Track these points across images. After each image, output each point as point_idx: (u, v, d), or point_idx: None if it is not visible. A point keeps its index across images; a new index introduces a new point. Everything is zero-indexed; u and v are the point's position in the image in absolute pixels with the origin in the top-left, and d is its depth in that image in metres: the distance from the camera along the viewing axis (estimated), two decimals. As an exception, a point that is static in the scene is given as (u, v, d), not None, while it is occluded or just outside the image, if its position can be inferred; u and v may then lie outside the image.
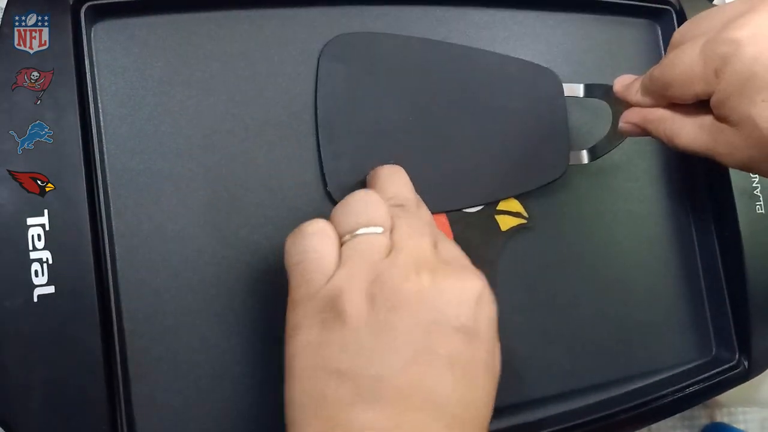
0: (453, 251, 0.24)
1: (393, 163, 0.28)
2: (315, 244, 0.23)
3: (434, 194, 0.29)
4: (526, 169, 0.32)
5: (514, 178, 0.31)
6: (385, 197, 0.25)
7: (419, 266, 0.22)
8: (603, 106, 0.31)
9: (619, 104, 0.30)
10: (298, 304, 0.22)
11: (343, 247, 0.23)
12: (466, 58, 0.31)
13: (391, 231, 0.23)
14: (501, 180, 0.31)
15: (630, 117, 0.29)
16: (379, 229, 0.23)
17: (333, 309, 0.22)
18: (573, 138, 0.33)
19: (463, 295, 0.22)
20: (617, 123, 0.30)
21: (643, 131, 0.29)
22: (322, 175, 0.29)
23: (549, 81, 0.32)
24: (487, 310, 0.23)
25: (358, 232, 0.23)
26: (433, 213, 0.27)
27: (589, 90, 0.32)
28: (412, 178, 0.27)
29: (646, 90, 0.28)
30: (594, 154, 0.32)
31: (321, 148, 0.29)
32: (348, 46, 0.29)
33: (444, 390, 0.21)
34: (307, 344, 0.22)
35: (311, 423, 0.21)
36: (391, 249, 0.23)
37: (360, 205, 0.24)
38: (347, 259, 0.22)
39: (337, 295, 0.22)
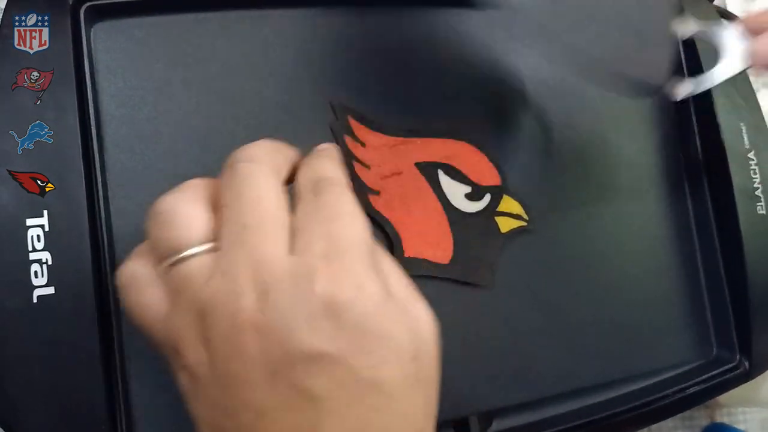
0: (312, 232, 0.18)
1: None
2: (133, 297, 0.19)
3: None
4: None
5: None
6: (202, 191, 0.20)
7: (243, 284, 0.17)
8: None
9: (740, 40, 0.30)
10: (160, 351, 0.20)
11: (164, 279, 0.19)
12: None
13: (217, 238, 0.19)
14: None
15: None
16: (194, 249, 0.18)
17: (179, 361, 0.18)
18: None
19: (301, 310, 0.17)
20: (735, 58, 0.30)
21: None
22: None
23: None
24: (348, 317, 0.17)
25: (171, 260, 0.18)
26: None
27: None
28: None
29: None
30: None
31: None
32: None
33: None
34: (184, 389, 0.19)
35: None
36: (213, 268, 0.18)
37: (157, 224, 0.19)
38: (171, 298, 0.19)
39: (175, 346, 0.18)
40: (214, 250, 0.18)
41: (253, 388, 0.17)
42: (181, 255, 0.18)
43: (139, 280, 0.19)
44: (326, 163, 0.21)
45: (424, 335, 0.19)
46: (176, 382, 0.19)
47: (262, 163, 0.20)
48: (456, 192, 0.31)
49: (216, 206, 0.19)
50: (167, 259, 0.18)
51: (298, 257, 0.18)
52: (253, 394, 0.17)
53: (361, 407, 0.17)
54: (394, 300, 0.18)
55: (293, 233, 0.19)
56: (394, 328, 0.18)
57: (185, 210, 0.19)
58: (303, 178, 0.20)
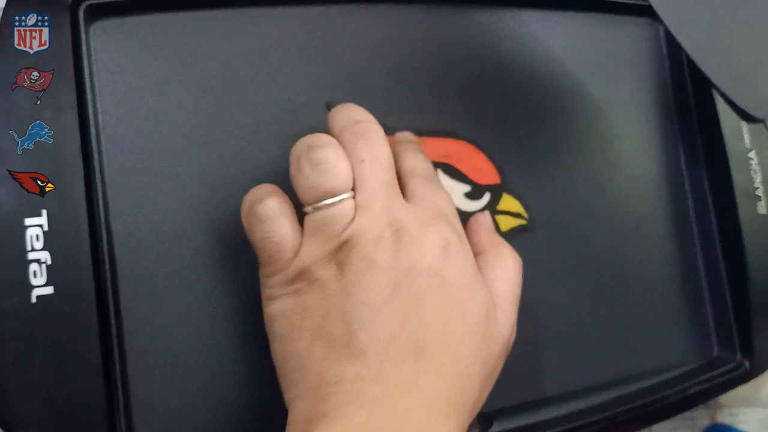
0: (427, 198, 0.25)
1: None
2: (271, 229, 0.23)
3: None
4: None
5: None
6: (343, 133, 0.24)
7: (384, 225, 0.23)
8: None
9: None
10: (269, 278, 0.23)
11: (306, 218, 0.23)
12: None
13: (356, 188, 0.23)
14: None
15: None
16: (342, 196, 0.23)
17: (304, 279, 0.23)
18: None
19: (425, 244, 0.23)
20: None
21: None
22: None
23: None
24: (456, 257, 0.23)
25: (319, 204, 0.23)
26: None
27: None
28: None
29: None
30: None
31: None
32: None
33: (419, 336, 0.22)
34: (284, 309, 0.23)
35: (302, 379, 0.22)
36: (356, 209, 0.23)
37: (318, 173, 0.23)
38: (312, 231, 0.23)
39: (306, 267, 0.23)
40: (353, 196, 0.23)
41: (377, 294, 0.22)
42: (334, 200, 0.23)
43: (283, 215, 0.23)
44: (428, 160, 0.27)
45: (501, 314, 0.25)
46: (275, 305, 0.23)
47: (379, 126, 0.25)
48: (455, 191, 0.31)
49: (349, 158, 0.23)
50: (319, 202, 0.23)
51: (422, 210, 0.24)
52: (376, 298, 0.22)
53: (448, 324, 0.22)
54: (478, 271, 0.25)
55: (409, 196, 0.25)
56: (478, 285, 0.24)
57: (340, 163, 0.23)
58: (415, 165, 0.26)
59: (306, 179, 0.23)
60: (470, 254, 0.24)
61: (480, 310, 0.23)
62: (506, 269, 0.26)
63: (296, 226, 0.23)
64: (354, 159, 0.24)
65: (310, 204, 0.23)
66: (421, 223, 0.23)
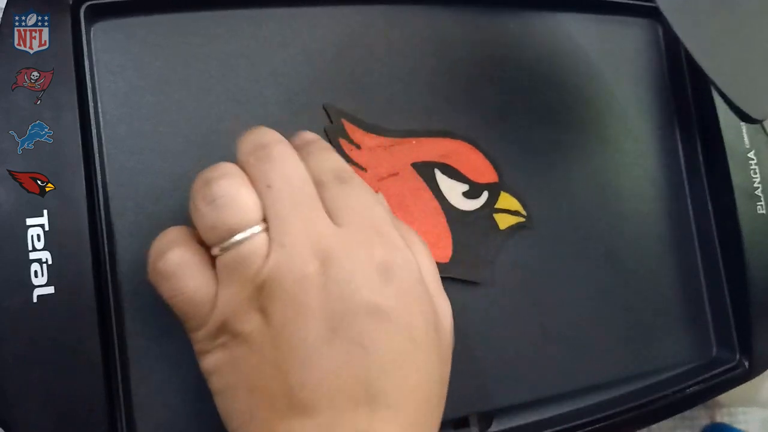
0: (349, 209, 0.21)
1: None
2: (179, 285, 0.20)
3: None
4: None
5: None
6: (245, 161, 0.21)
7: (306, 258, 0.20)
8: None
9: None
10: (192, 333, 0.21)
11: (217, 261, 0.20)
12: None
13: (268, 219, 0.20)
14: None
15: None
16: (251, 231, 0.20)
17: (227, 333, 0.20)
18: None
19: (361, 272, 0.20)
20: None
21: None
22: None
23: None
24: (396, 279, 0.20)
25: (226, 244, 0.20)
26: None
27: None
28: None
29: None
30: None
31: None
32: None
33: (368, 383, 0.19)
34: (217, 365, 0.21)
35: None
36: (271, 243, 0.20)
37: (215, 209, 0.20)
38: (224, 277, 0.20)
39: (227, 320, 0.20)
40: (266, 229, 0.20)
41: (310, 344, 0.19)
42: (242, 236, 0.20)
43: (189, 266, 0.20)
44: (336, 156, 0.23)
45: (441, 314, 0.22)
46: (206, 361, 0.21)
47: (288, 146, 0.22)
48: (454, 190, 0.31)
49: (255, 186, 0.21)
50: (225, 241, 0.20)
51: (349, 229, 0.20)
52: (310, 349, 0.19)
53: (400, 359, 0.20)
54: (422, 277, 0.21)
55: (329, 212, 0.21)
56: (425, 298, 0.21)
57: (241, 193, 0.20)
58: (322, 169, 0.22)
59: (203, 218, 0.20)
60: (413, 261, 0.21)
61: (430, 326, 0.21)
62: (419, 251, 0.23)
63: (208, 273, 0.21)
64: (260, 186, 0.20)
65: (215, 245, 0.20)
66: (349, 246, 0.20)
